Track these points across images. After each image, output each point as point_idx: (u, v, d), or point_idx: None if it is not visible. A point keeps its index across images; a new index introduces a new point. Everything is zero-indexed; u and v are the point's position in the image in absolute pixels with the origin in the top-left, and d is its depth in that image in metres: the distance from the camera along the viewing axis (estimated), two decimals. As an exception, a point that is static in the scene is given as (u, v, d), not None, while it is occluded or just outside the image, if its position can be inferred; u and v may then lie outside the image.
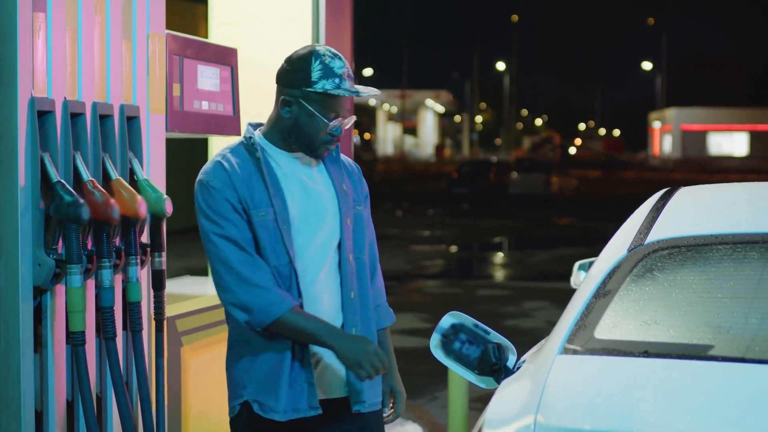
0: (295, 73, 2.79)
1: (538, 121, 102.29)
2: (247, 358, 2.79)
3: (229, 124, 3.76)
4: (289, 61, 2.82)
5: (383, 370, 2.67)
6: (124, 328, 3.00)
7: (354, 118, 2.90)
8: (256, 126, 2.88)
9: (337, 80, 2.77)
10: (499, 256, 16.74)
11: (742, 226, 2.81)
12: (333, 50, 2.82)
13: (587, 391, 2.40)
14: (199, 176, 2.77)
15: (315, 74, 2.76)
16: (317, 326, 2.70)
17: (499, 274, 14.35)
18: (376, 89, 2.86)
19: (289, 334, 2.72)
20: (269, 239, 2.76)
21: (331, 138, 2.83)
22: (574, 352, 2.55)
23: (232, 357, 2.82)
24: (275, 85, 2.84)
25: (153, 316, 3.10)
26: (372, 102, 41.15)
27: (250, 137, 2.82)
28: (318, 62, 2.77)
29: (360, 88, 2.82)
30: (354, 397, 2.82)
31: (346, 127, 2.86)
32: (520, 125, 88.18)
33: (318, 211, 2.84)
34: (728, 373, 2.38)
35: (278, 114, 2.83)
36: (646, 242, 2.79)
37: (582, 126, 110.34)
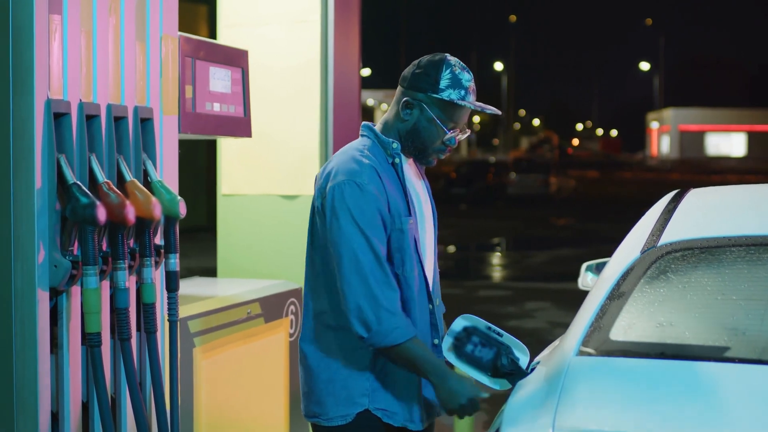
0: (424, 77, 2.81)
1: (536, 122, 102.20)
2: (372, 367, 2.79)
3: (240, 125, 3.77)
4: (419, 65, 2.84)
5: (470, 415, 2.72)
6: (139, 329, 3.00)
7: (468, 132, 2.92)
8: (371, 127, 2.89)
9: (463, 92, 2.81)
10: (498, 257, 16.76)
11: (755, 228, 2.82)
12: (462, 63, 2.85)
13: (605, 392, 2.41)
14: (346, 176, 2.71)
15: (443, 82, 2.79)
16: (426, 360, 2.71)
17: (498, 275, 14.36)
18: (497, 110, 2.88)
19: (398, 360, 2.73)
20: (408, 247, 2.80)
21: (444, 147, 2.87)
22: (590, 354, 2.56)
23: (348, 363, 2.80)
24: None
25: (166, 318, 3.10)
26: (370, 102, 41.05)
27: (393, 141, 2.83)
28: (448, 71, 2.80)
29: (483, 105, 2.85)
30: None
31: (460, 140, 2.89)
32: (517, 126, 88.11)
33: (427, 220, 2.94)
34: (745, 374, 2.39)
35: (397, 115, 2.85)
36: (659, 244, 2.79)
37: (580, 126, 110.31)
